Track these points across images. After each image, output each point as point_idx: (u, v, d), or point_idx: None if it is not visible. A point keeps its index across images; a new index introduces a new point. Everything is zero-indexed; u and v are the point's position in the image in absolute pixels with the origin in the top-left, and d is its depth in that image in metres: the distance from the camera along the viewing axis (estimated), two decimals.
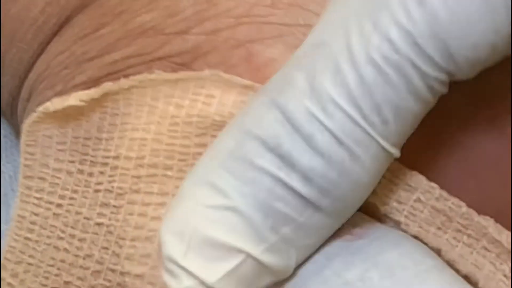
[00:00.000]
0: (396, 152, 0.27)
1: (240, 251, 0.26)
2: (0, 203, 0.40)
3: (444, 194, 0.28)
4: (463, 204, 0.28)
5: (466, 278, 0.28)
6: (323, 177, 0.26)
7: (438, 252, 0.28)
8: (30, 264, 0.31)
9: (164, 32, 0.31)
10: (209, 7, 0.31)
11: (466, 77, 0.26)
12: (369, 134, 0.26)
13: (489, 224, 0.28)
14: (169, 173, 0.29)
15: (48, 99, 0.32)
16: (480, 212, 0.29)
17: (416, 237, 0.28)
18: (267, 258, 0.26)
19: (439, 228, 0.28)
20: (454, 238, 0.28)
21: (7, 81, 0.35)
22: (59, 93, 0.32)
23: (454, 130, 0.29)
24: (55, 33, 0.33)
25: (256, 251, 0.26)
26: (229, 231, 0.26)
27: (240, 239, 0.26)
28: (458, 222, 0.28)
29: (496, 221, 0.29)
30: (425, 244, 0.28)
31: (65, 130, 0.31)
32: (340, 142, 0.26)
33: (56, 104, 0.31)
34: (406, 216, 0.28)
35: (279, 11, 0.30)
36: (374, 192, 0.28)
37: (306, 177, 0.26)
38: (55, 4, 0.33)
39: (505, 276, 0.28)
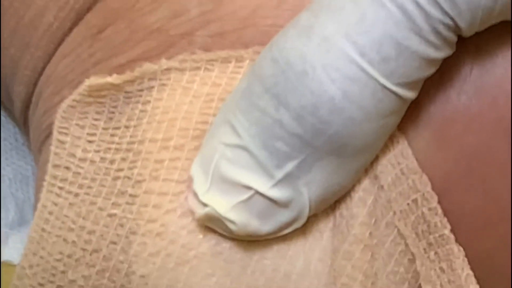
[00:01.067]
0: (404, 93, 0.27)
1: (249, 188, 0.28)
2: None
3: (439, 209, 0.29)
4: (448, 227, 0.29)
5: None
6: (313, 115, 0.26)
7: (411, 263, 0.29)
8: (41, 257, 0.30)
9: (169, 33, 0.31)
10: (214, 8, 0.31)
11: (469, 28, 0.26)
12: (365, 71, 0.26)
13: (458, 256, 0.29)
14: (193, 157, 0.29)
15: (55, 105, 0.32)
16: (486, 215, 0.29)
17: (401, 237, 0.29)
18: (275, 193, 0.28)
19: (417, 235, 0.29)
20: (424, 249, 0.29)
21: (20, 91, 0.34)
22: (66, 98, 0.32)
23: (461, 134, 0.29)
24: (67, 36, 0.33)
25: (264, 187, 0.28)
26: (241, 169, 0.28)
27: (249, 177, 0.28)
28: (434, 238, 0.29)
29: (502, 223, 0.29)
30: (406, 245, 0.29)
31: (97, 122, 0.31)
32: (332, 79, 0.26)
33: (93, 81, 0.31)
34: (400, 211, 0.29)
35: (285, 12, 0.30)
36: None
37: (298, 116, 0.27)
38: (68, 7, 0.33)
39: None
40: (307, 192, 0.28)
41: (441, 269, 0.29)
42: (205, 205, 0.28)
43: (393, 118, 0.28)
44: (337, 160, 0.27)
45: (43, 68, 0.33)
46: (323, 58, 0.26)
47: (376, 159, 0.29)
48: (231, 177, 0.28)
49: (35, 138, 0.34)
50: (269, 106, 0.27)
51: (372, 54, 0.26)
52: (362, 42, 0.26)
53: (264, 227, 0.28)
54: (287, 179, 0.27)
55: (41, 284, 0.30)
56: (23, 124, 0.36)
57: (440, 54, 0.27)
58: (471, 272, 0.29)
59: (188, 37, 0.31)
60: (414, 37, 0.26)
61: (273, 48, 0.27)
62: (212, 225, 0.29)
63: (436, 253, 0.29)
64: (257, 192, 0.28)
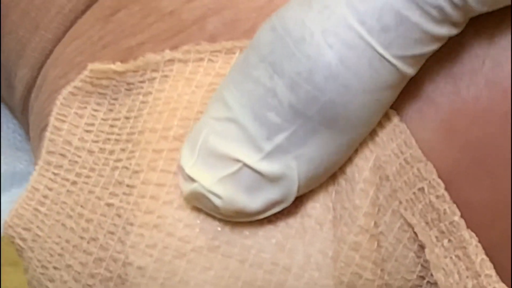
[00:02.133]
0: (402, 67, 0.26)
1: (237, 160, 0.27)
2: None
3: (446, 196, 0.28)
4: (458, 213, 0.28)
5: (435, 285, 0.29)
6: (308, 82, 0.26)
7: (422, 248, 0.28)
8: (37, 235, 0.30)
9: (181, 17, 0.31)
10: None
11: (478, 6, 0.26)
12: (364, 38, 0.26)
13: (471, 242, 0.28)
14: None
15: (60, 88, 0.31)
16: (491, 210, 0.28)
17: (409, 224, 0.28)
18: (264, 167, 0.27)
19: (427, 223, 0.28)
20: (436, 237, 0.28)
21: (24, 74, 0.34)
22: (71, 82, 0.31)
23: (469, 126, 0.28)
24: (79, 18, 0.33)
25: (252, 160, 0.27)
26: (229, 142, 0.27)
27: (237, 149, 0.27)
28: (445, 225, 0.28)
29: (508, 219, 0.28)
30: (415, 234, 0.28)
31: (97, 113, 0.30)
32: (329, 45, 0.26)
33: (95, 66, 0.30)
34: (406, 200, 0.28)
35: None
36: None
37: (293, 83, 0.26)
38: None
39: None
40: (297, 167, 0.27)
41: (457, 257, 0.28)
42: (192, 180, 0.28)
43: (389, 93, 0.27)
44: (328, 133, 0.27)
45: (51, 51, 0.33)
46: (322, 24, 0.26)
47: (378, 148, 0.29)
48: (219, 150, 0.27)
49: (36, 124, 0.33)
50: (263, 75, 0.26)
51: (372, 22, 0.25)
52: (363, 9, 0.25)
53: (251, 203, 0.27)
54: (276, 152, 0.27)
55: (39, 260, 0.30)
56: (21, 112, 0.35)
57: (442, 30, 0.26)
58: (485, 257, 0.28)
59: (200, 22, 0.30)
60: (415, 9, 0.25)
61: (273, 18, 0.27)
62: (199, 204, 0.28)
63: (449, 240, 0.28)
64: (245, 165, 0.27)
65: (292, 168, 0.27)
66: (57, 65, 0.32)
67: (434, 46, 0.26)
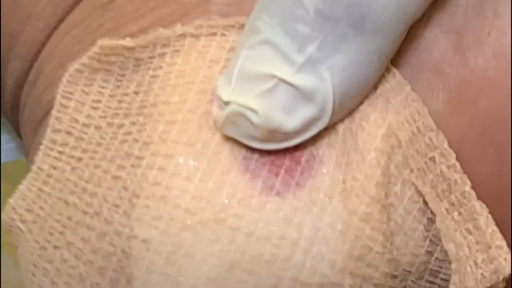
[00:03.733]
0: None
1: (272, 76, 0.27)
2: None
3: (457, 166, 0.28)
4: (468, 183, 0.28)
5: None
6: None
7: (431, 221, 0.28)
8: (38, 215, 0.30)
9: (184, 1, 0.30)
10: None
11: None
12: None
13: (482, 213, 0.28)
14: (206, 121, 0.29)
15: (58, 79, 0.31)
16: (498, 185, 0.28)
17: (419, 194, 0.28)
18: (298, 80, 0.27)
19: (437, 195, 0.28)
20: (447, 210, 0.28)
21: (15, 67, 0.33)
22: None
23: (477, 97, 0.28)
24: (73, 8, 0.32)
25: (286, 74, 0.27)
26: (264, 62, 0.27)
27: (272, 66, 0.27)
28: (455, 197, 0.28)
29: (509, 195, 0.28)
30: (424, 203, 0.28)
31: (103, 89, 0.30)
32: None
33: (105, 42, 0.30)
34: (418, 169, 0.28)
35: None
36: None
37: None
38: None
39: (475, 263, 0.28)
40: (330, 78, 0.27)
41: (468, 230, 0.28)
42: (226, 103, 0.28)
43: (413, 2, 0.27)
44: (357, 38, 0.27)
45: (44, 43, 0.32)
46: None
47: (391, 115, 0.29)
48: (255, 71, 0.27)
49: (31, 119, 0.32)
50: None
51: None
52: None
53: (288, 121, 0.27)
54: (309, 63, 0.27)
55: (37, 242, 0.30)
56: (11, 108, 0.35)
57: None
58: (496, 228, 0.28)
59: (204, 5, 0.30)
60: None
61: None
62: (235, 130, 0.28)
63: (460, 213, 0.28)
64: (280, 80, 0.27)
65: (326, 80, 0.27)
66: (53, 57, 0.32)
67: None
